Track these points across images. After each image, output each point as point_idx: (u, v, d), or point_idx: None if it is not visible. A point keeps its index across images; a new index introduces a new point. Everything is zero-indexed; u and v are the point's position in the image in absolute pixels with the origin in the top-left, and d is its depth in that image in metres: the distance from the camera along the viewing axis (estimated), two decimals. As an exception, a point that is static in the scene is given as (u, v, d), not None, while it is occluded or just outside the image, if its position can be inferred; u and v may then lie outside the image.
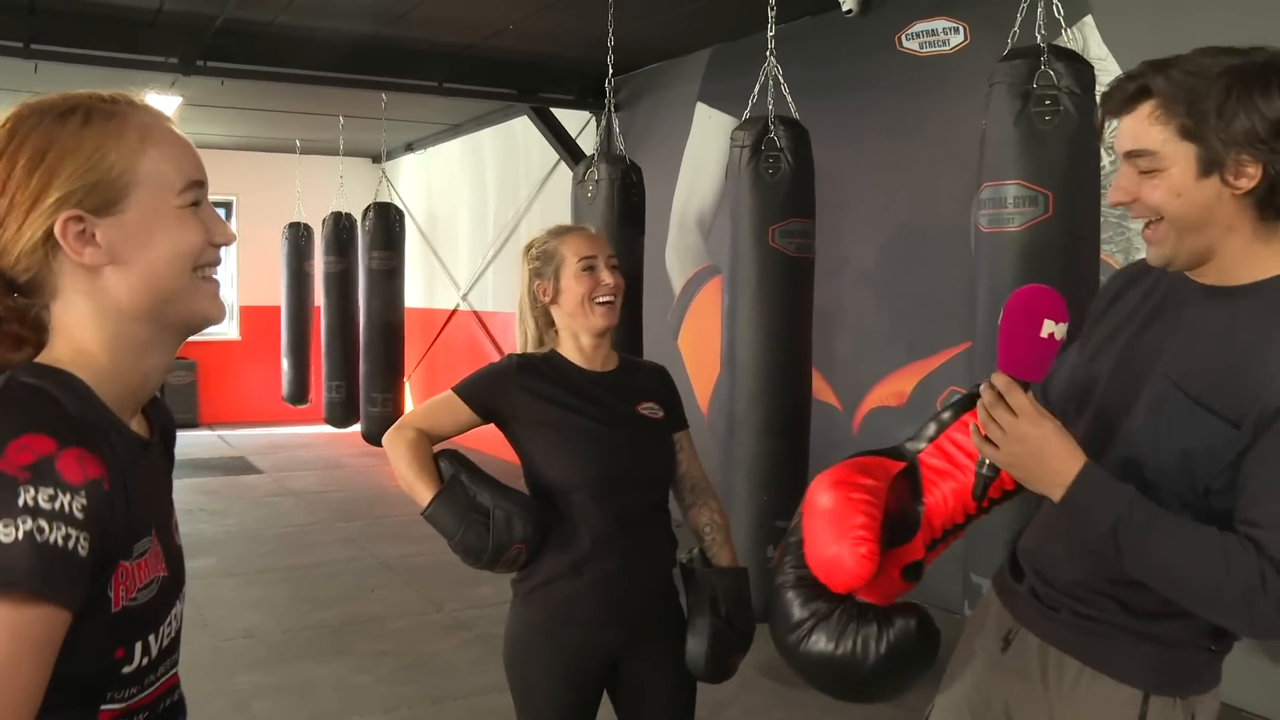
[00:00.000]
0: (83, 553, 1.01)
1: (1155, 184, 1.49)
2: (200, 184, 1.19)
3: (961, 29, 5.18)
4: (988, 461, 1.60)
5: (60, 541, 0.99)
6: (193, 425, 11.80)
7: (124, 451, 1.12)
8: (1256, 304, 1.48)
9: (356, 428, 9.05)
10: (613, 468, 2.30)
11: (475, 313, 10.35)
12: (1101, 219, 4.54)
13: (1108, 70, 4.64)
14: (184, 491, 8.38)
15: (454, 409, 2.36)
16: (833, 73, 5.85)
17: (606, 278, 2.37)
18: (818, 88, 5.72)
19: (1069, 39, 4.69)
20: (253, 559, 6.44)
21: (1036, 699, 1.69)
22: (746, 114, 4.47)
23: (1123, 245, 4.57)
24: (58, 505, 1.00)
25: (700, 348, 6.95)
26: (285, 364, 10.38)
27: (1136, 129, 1.50)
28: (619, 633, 2.33)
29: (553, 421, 2.32)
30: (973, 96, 3.63)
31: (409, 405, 9.62)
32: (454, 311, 10.77)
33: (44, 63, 6.50)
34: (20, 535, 0.97)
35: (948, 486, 1.82)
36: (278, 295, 10.57)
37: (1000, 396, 1.53)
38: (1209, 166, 1.45)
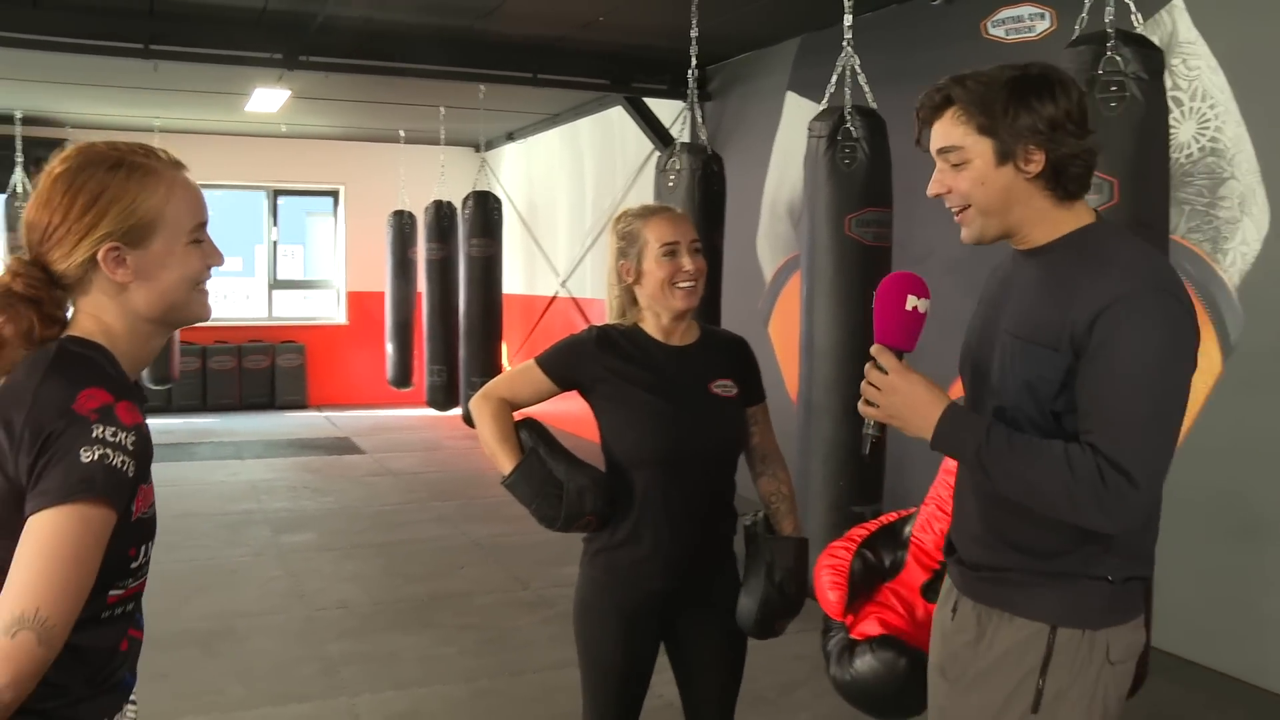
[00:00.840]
0: (130, 475, 1.40)
1: (963, 175, 1.82)
2: (204, 224, 1.59)
3: (1048, 14, 5.13)
4: (872, 422, 1.86)
5: (120, 464, 1.38)
6: (301, 406, 12.23)
7: (140, 403, 1.51)
8: (1055, 257, 1.81)
9: (456, 411, 9.29)
10: (677, 444, 2.40)
11: (574, 299, 10.51)
12: (1188, 208, 4.53)
13: (1197, 54, 4.57)
14: (289, 470, 8.73)
15: (535, 379, 2.48)
16: (917, 61, 5.83)
17: (687, 264, 2.43)
18: (902, 77, 5.71)
19: (1158, 23, 4.63)
20: (350, 535, 6.70)
21: (977, 656, 1.87)
22: (824, 104, 4.51)
23: (1210, 234, 4.50)
24: (118, 439, 1.38)
25: (790, 335, 6.97)
26: (389, 348, 10.66)
27: (944, 130, 1.83)
28: (674, 596, 2.45)
29: (623, 396, 2.42)
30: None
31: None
32: (553, 298, 10.95)
33: (163, 62, 6.86)
34: (95, 457, 1.36)
35: (938, 527, 2.42)
36: (383, 281, 10.87)
37: (875, 363, 1.82)
38: (1003, 156, 1.78)
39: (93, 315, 1.53)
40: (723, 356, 2.54)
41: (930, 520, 2.54)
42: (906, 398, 1.77)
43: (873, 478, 4.47)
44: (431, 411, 10.25)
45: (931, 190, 1.86)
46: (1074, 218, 1.82)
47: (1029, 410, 1.78)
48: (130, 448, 1.39)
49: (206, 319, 1.64)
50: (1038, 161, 1.77)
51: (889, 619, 2.50)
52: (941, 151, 1.83)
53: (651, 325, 2.48)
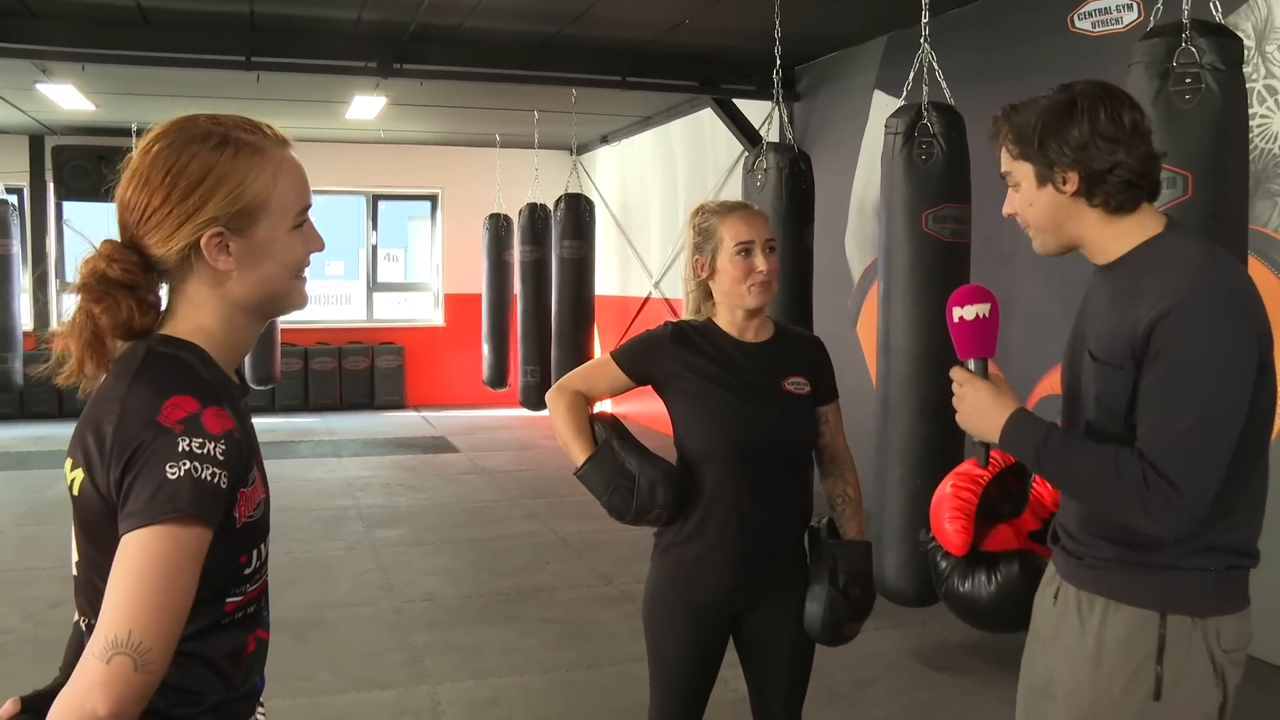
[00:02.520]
0: (223, 486, 1.32)
1: (1018, 197, 1.95)
2: (308, 207, 1.49)
3: (1135, 5, 5.04)
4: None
5: (209, 478, 1.30)
6: (399, 406, 12.50)
7: (238, 399, 1.45)
8: (1125, 271, 1.87)
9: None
10: (749, 441, 2.42)
11: (667, 300, 10.57)
12: (1279, 201, 4.41)
13: (1291, 44, 4.45)
14: (384, 468, 8.95)
15: (610, 373, 2.54)
16: (1002, 57, 5.77)
17: (761, 264, 2.44)
18: (986, 72, 5.67)
19: (1252, 9, 4.52)
20: (441, 530, 6.85)
21: (1079, 640, 1.91)
22: (902, 100, 4.50)
23: (1304, 227, 4.38)
24: (206, 450, 1.30)
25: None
26: (485, 349, 10.84)
27: (1003, 157, 1.96)
28: (744, 593, 2.47)
29: (696, 392, 2.45)
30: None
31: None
32: (647, 299, 11.02)
33: (264, 73, 7.13)
34: (182, 473, 1.28)
35: None
36: (479, 283, 11.06)
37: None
38: (1042, 179, 1.89)
39: (187, 307, 1.43)
40: (796, 354, 2.55)
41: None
42: (975, 405, 1.90)
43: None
44: (525, 411, 10.40)
45: (1005, 211, 1.99)
46: (1140, 228, 1.87)
47: (1111, 427, 1.83)
48: (220, 457, 1.31)
49: (303, 308, 1.54)
50: (1073, 180, 1.85)
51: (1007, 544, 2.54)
52: (1003, 176, 1.97)
53: (725, 321, 2.51)
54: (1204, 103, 3.12)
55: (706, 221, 2.51)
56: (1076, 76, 6.29)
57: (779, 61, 5.37)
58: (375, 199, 12.90)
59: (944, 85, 4.43)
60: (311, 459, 9.36)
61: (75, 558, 1.44)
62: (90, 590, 1.37)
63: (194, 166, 1.38)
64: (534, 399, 9.66)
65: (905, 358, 4.44)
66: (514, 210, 10.25)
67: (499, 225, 10.76)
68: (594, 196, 9.56)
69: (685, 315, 2.58)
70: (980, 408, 1.89)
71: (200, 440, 1.30)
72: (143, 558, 1.26)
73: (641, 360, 2.53)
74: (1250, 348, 1.74)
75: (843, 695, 4.06)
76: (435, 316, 13.08)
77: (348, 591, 5.44)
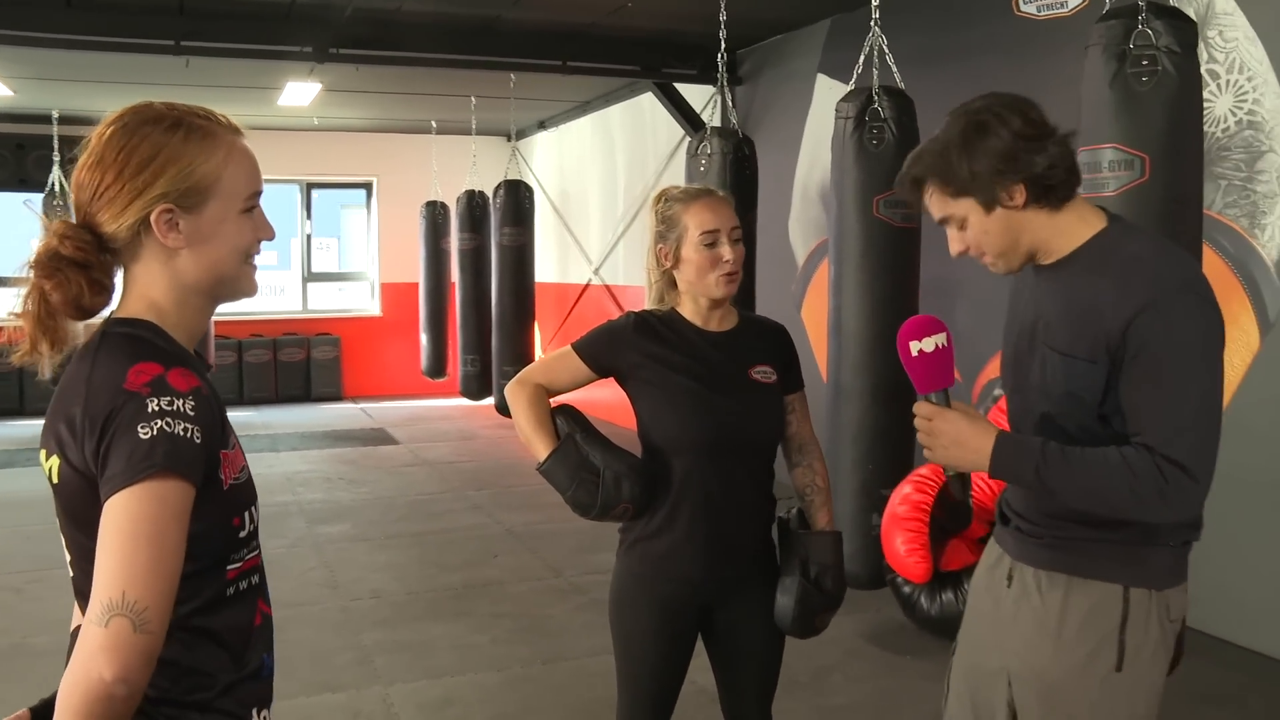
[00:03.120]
0: (197, 440, 1.34)
1: (968, 233, 1.90)
2: (259, 194, 1.53)
3: (1080, -10, 5.05)
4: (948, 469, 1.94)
5: (182, 432, 1.32)
6: (336, 398, 12.31)
7: (202, 371, 1.47)
8: (1078, 268, 1.87)
9: (490, 400, 9.32)
10: (717, 432, 2.36)
11: (607, 286, 10.50)
12: (1224, 182, 4.45)
13: (1234, 25, 4.48)
14: (324, 462, 8.79)
15: (572, 365, 2.46)
16: (948, 41, 5.77)
17: (727, 254, 2.38)
18: (932, 56, 5.65)
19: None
20: (385, 525, 6.73)
21: (1040, 617, 1.93)
22: (852, 85, 4.46)
23: (1248, 209, 4.42)
24: (175, 407, 1.34)
25: (824, 318, 6.90)
26: (424, 339, 10.72)
27: (932, 206, 1.93)
28: (714, 586, 2.41)
29: (662, 382, 2.39)
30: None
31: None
32: (586, 286, 10.94)
33: (194, 58, 6.92)
34: (155, 431, 1.31)
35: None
36: (416, 272, 10.92)
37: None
38: (989, 205, 1.86)
39: (139, 287, 1.46)
40: (762, 343, 2.49)
41: (984, 479, 2.59)
42: (954, 436, 1.84)
43: (901, 460, 4.43)
44: (465, 401, 10.28)
45: (954, 252, 1.95)
46: (1083, 222, 1.89)
47: (1077, 417, 1.85)
48: (191, 412, 1.34)
49: (254, 294, 1.57)
50: (1019, 192, 1.84)
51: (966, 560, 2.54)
52: (942, 222, 1.93)
53: (690, 310, 2.44)
54: (1161, 85, 3.12)
55: (670, 209, 2.43)
56: (1023, 60, 6.33)
57: (724, 45, 5.31)
58: (309, 187, 12.66)
59: (894, 69, 4.40)
60: (249, 454, 8.98)
61: (69, 557, 1.45)
62: (88, 585, 1.34)
63: (145, 146, 1.42)
64: (474, 388, 9.57)
65: (857, 342, 4.43)
66: (451, 198, 10.12)
67: (436, 213, 10.62)
68: (531, 183, 9.45)
69: (647, 304, 2.51)
70: (960, 438, 1.83)
71: (169, 398, 1.33)
72: (128, 518, 1.28)
73: (604, 351, 2.46)
74: (1221, 328, 1.80)
75: (803, 684, 4.03)
76: (372, 306, 12.90)
77: (293, 590, 5.30)
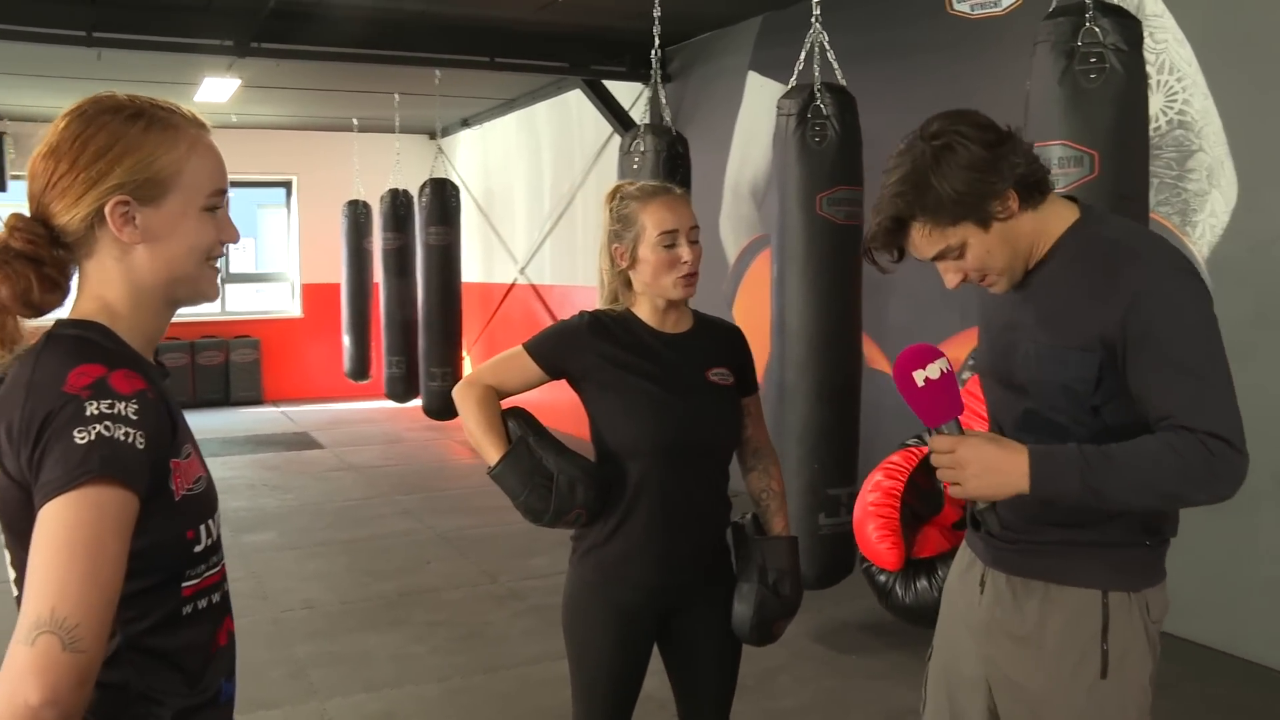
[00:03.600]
0: (140, 445, 1.25)
1: (969, 259, 1.81)
2: (223, 192, 1.44)
3: (1013, -11, 5.08)
4: (976, 503, 1.86)
5: (122, 437, 1.23)
6: (257, 402, 12.04)
7: (156, 378, 1.38)
8: (1057, 263, 1.84)
9: (417, 402, 9.16)
10: (674, 435, 2.29)
11: (533, 286, 10.39)
12: (1157, 180, 4.49)
13: (1164, 26, 4.53)
14: (247, 468, 8.56)
15: (523, 366, 2.36)
16: (883, 39, 5.78)
17: (686, 254, 2.31)
18: (867, 54, 5.65)
19: (1124, -3, 4.58)
20: (313, 533, 6.55)
21: (1017, 626, 1.89)
22: (793, 82, 4.42)
23: (1179, 207, 4.47)
24: (116, 410, 1.24)
25: (755, 317, 6.90)
26: (346, 340, 10.51)
27: (923, 244, 1.81)
28: (672, 593, 2.35)
29: (618, 385, 2.31)
30: (1026, 58, 3.57)
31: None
32: (512, 285, 10.82)
33: (106, 50, 6.65)
34: (93, 436, 1.22)
35: None
36: (338, 273, 10.71)
37: (929, 455, 1.81)
38: (985, 222, 1.78)
39: (92, 285, 1.38)
40: (718, 345, 2.43)
41: None
42: (985, 463, 1.73)
43: (847, 459, 4.42)
44: (391, 403, 10.11)
45: (952, 284, 1.86)
46: (1057, 217, 1.85)
47: (1069, 410, 1.81)
48: (133, 416, 1.25)
49: (214, 299, 1.48)
50: (1012, 197, 1.79)
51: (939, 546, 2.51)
52: (938, 258, 1.83)
53: (645, 311, 2.37)
54: (1108, 82, 3.12)
55: (626, 207, 2.35)
56: (957, 59, 6.35)
57: (658, 41, 5.24)
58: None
59: (835, 66, 4.37)
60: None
61: (12, 575, 1.34)
62: None
63: (103, 135, 1.35)
64: (400, 391, 9.40)
65: (801, 341, 4.39)
66: (374, 197, 9.93)
67: (358, 212, 10.42)
68: (456, 182, 9.30)
69: (600, 305, 2.44)
70: (990, 464, 1.72)
71: (109, 401, 1.25)
72: (61, 527, 1.18)
73: (557, 352, 2.37)
74: (1210, 298, 1.77)
75: (750, 687, 3.97)
76: (292, 307, 12.63)
77: (219, 602, 5.13)
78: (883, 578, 2.59)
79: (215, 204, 1.43)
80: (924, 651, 2.17)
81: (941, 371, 1.77)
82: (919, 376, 1.76)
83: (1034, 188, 1.81)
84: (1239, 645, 4.23)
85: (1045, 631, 1.85)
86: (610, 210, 2.39)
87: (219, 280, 1.47)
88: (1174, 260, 1.77)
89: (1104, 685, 1.82)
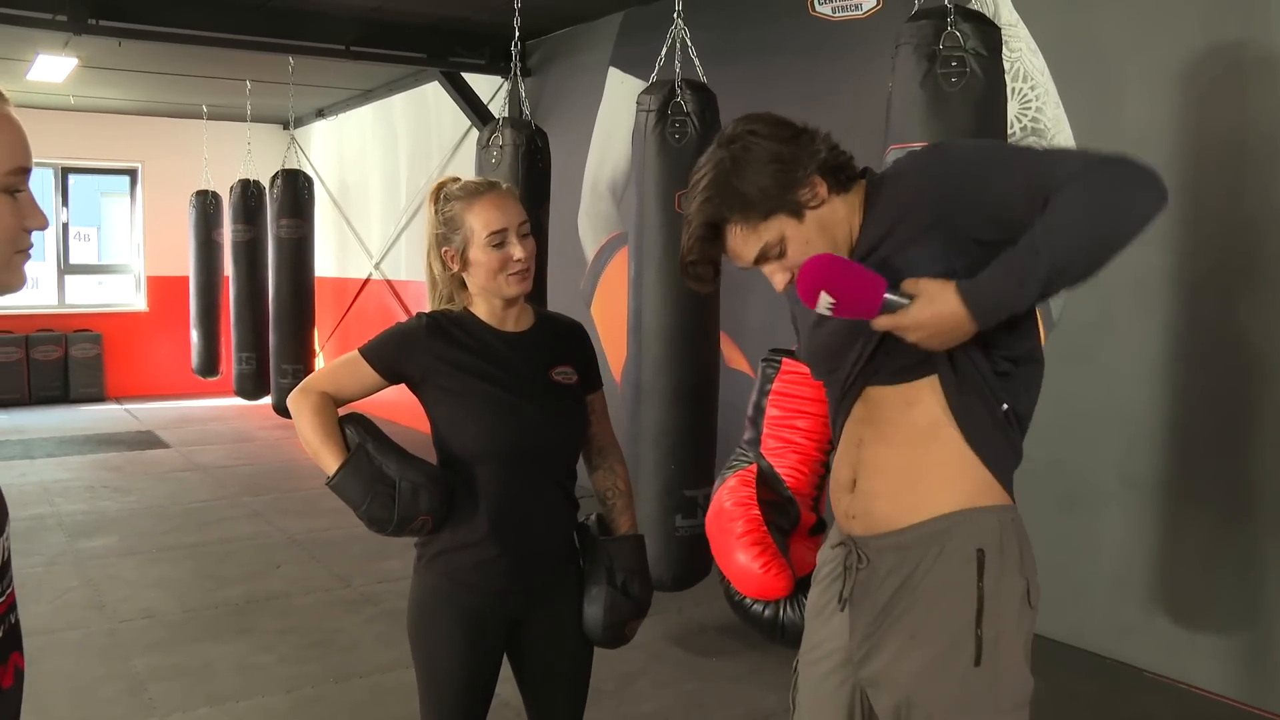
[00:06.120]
0: None
1: (791, 255, 1.78)
2: (25, 171, 1.25)
3: (872, -7, 5.13)
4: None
5: None
6: (98, 399, 11.52)
7: None
8: (869, 222, 1.82)
9: (267, 400, 8.88)
10: (519, 438, 2.23)
11: (388, 281, 10.18)
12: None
13: (1018, 35, 4.63)
14: (86, 468, 8.17)
15: (360, 371, 2.27)
16: (744, 38, 5.79)
17: (518, 252, 2.24)
18: (729, 53, 5.66)
19: (979, 4, 4.67)
20: (156, 536, 6.26)
21: (900, 617, 1.85)
22: (653, 78, 4.39)
23: (1029, 211, 4.58)
24: None
25: (613, 315, 6.89)
26: (194, 335, 10.14)
27: (742, 248, 1.80)
28: (519, 598, 2.29)
29: (459, 388, 2.24)
30: (886, 61, 3.61)
31: (322, 377, 9.48)
32: (367, 280, 10.58)
33: (-75, 22, 6.23)
34: None
35: (791, 459, 2.48)
36: (186, 265, 10.32)
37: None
38: (797, 212, 1.77)
39: None
40: (560, 343, 2.38)
41: (790, 467, 2.55)
42: (928, 331, 1.68)
43: (704, 460, 4.40)
44: (240, 401, 9.77)
45: (780, 286, 1.83)
46: (857, 198, 1.85)
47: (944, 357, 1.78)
48: None
49: (19, 289, 1.30)
50: (820, 183, 1.79)
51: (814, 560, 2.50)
52: (760, 260, 1.81)
53: (484, 311, 2.30)
54: (969, 86, 3.16)
55: (451, 209, 2.27)
56: (818, 59, 6.40)
57: (518, 34, 5.16)
58: (65, 172, 11.76)
59: (697, 62, 4.35)
60: (-3, 461, 8.40)
61: None
62: None
63: None
64: (250, 388, 9.09)
65: (658, 341, 4.35)
66: (223, 187, 9.59)
67: (207, 203, 10.03)
68: (310, 173, 9.03)
69: (432, 307, 2.36)
70: (935, 328, 1.67)
71: None
72: None
73: (394, 356, 2.28)
74: None
75: (608, 692, 3.93)
76: (136, 301, 12.10)
77: (50, 615, 4.84)
78: (767, 611, 2.56)
79: (15, 185, 1.24)
80: (782, 652, 2.15)
81: (837, 282, 1.69)
82: (824, 302, 1.70)
83: (839, 171, 1.80)
84: (1083, 638, 4.35)
85: (917, 618, 1.84)
86: (435, 212, 2.31)
87: (25, 269, 1.29)
88: (932, 142, 1.92)
89: (978, 671, 1.83)
